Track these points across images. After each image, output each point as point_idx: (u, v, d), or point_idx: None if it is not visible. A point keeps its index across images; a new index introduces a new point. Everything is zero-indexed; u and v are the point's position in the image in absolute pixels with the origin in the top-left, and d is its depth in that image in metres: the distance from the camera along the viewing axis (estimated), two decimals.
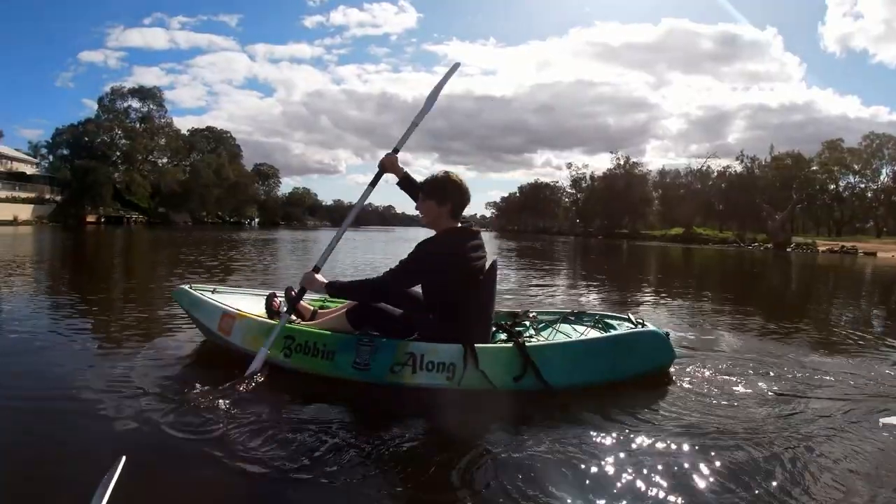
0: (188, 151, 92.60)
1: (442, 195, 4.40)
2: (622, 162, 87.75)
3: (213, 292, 5.42)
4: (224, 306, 4.98)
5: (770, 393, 4.33)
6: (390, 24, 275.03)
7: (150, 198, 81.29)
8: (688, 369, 4.84)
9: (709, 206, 76.24)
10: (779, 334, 7.15)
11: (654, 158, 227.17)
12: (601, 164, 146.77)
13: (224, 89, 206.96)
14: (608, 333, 4.53)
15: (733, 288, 15.83)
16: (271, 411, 3.73)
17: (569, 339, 4.49)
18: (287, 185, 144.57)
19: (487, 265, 4.39)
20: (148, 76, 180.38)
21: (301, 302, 4.95)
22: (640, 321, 4.70)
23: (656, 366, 4.49)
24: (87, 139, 77.96)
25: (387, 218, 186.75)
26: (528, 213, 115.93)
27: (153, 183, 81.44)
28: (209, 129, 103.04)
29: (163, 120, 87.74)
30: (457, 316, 4.21)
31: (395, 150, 4.97)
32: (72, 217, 65.08)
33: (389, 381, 4.09)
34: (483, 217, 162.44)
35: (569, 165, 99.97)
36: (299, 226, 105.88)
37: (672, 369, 4.68)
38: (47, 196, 68.97)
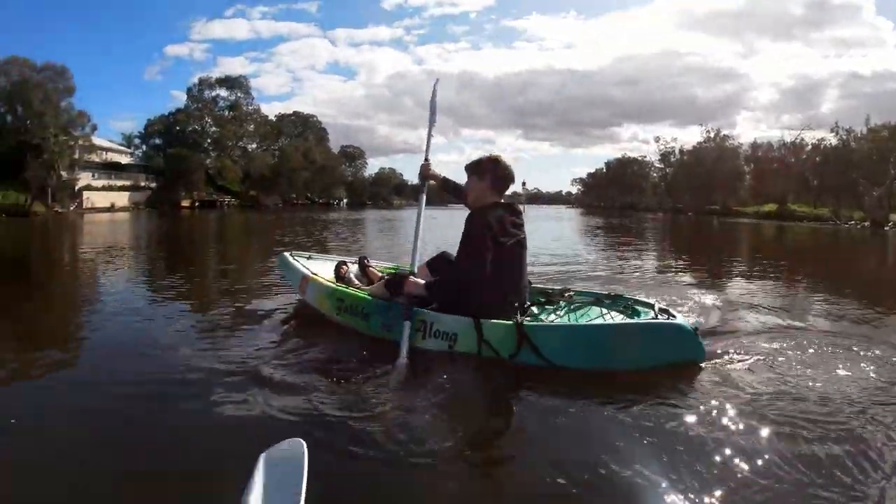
0: (276, 136, 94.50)
1: (480, 170, 4.75)
2: (712, 135, 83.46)
3: (308, 258, 6.57)
4: (304, 270, 5.97)
5: (856, 383, 3.99)
6: (468, 1, 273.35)
7: (241, 182, 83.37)
8: (778, 349, 4.72)
9: (803, 181, 72.02)
10: (869, 320, 6.35)
11: (746, 131, 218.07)
12: (690, 137, 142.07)
13: (307, 75, 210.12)
14: (613, 321, 4.60)
15: (824, 269, 14.34)
16: (416, 396, 3.78)
17: (565, 324, 4.60)
18: (373, 165, 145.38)
19: (517, 242, 4.63)
20: (233, 66, 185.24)
21: (371, 268, 6.03)
22: (666, 311, 4.55)
23: (677, 360, 4.20)
24: (178, 128, 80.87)
25: None
26: (615, 188, 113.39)
27: (243, 167, 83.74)
28: (296, 113, 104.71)
29: (250, 107, 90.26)
30: (470, 288, 4.45)
31: (426, 159, 5.41)
32: (167, 202, 67.26)
33: (409, 343, 4.40)
34: (569, 194, 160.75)
35: (657, 139, 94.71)
36: (385, 205, 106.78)
37: (733, 359, 4.44)
38: (142, 183, 71.31)
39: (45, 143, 52.76)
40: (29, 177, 49.26)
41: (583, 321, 4.72)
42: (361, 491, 2.76)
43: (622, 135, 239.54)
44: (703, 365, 4.21)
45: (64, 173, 54.46)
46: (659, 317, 4.40)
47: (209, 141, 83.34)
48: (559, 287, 5.51)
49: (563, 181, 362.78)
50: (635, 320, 4.54)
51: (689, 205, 78.77)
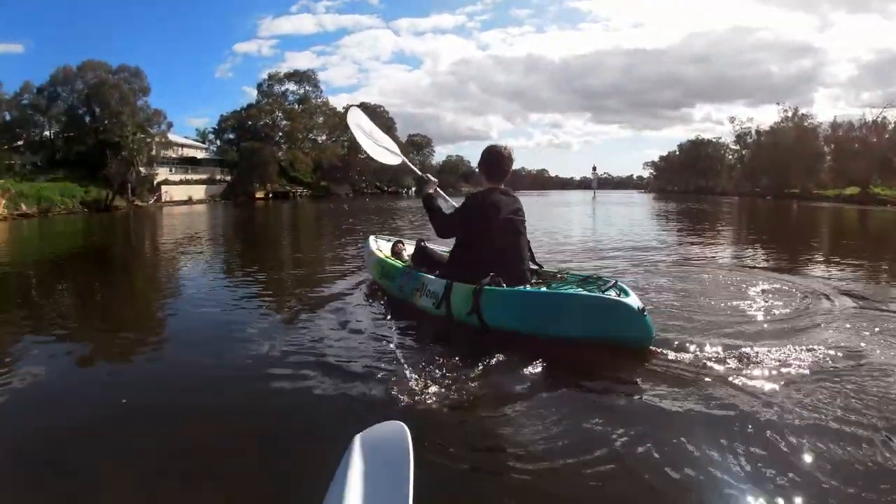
0: (345, 127, 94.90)
1: (480, 161, 5.41)
2: (790, 114, 78.69)
3: (387, 241, 7.60)
4: (373, 246, 7.23)
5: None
6: None
7: (313, 172, 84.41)
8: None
9: (886, 163, 67.15)
10: None
11: (823, 109, 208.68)
12: (766, 117, 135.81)
13: (373, 66, 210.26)
14: (559, 291, 4.65)
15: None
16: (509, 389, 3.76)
17: (509, 290, 4.66)
18: (440, 153, 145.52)
19: (508, 225, 5.11)
20: (300, 60, 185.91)
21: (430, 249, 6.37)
22: (622, 289, 4.49)
23: (619, 337, 4.24)
24: (250, 123, 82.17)
25: (540, 181, 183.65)
26: (690, 172, 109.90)
27: (314, 159, 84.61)
28: (363, 104, 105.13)
29: (319, 100, 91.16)
30: (461, 258, 5.13)
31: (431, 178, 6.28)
32: (242, 194, 68.95)
33: (410, 301, 5.64)
34: (640, 178, 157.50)
35: (731, 120, 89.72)
36: (454, 192, 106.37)
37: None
38: (218, 177, 72.93)
39: (124, 141, 54.36)
40: (109, 173, 51.00)
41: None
42: (462, 476, 2.81)
43: (695, 115, 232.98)
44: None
45: (143, 169, 56.16)
46: (611, 294, 4.39)
47: (280, 134, 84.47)
48: (554, 270, 5.67)
49: (635, 165, 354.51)
50: (573, 291, 4.60)
51: (767, 188, 75.62)
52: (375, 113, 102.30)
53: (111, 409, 3.68)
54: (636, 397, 3.58)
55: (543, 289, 4.80)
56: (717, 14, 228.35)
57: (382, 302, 6.24)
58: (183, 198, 61.16)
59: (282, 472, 2.86)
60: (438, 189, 6.16)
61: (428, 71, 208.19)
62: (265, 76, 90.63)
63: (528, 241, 5.33)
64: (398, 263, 6.40)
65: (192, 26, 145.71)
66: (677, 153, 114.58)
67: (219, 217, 33.44)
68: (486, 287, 4.62)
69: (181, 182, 64.48)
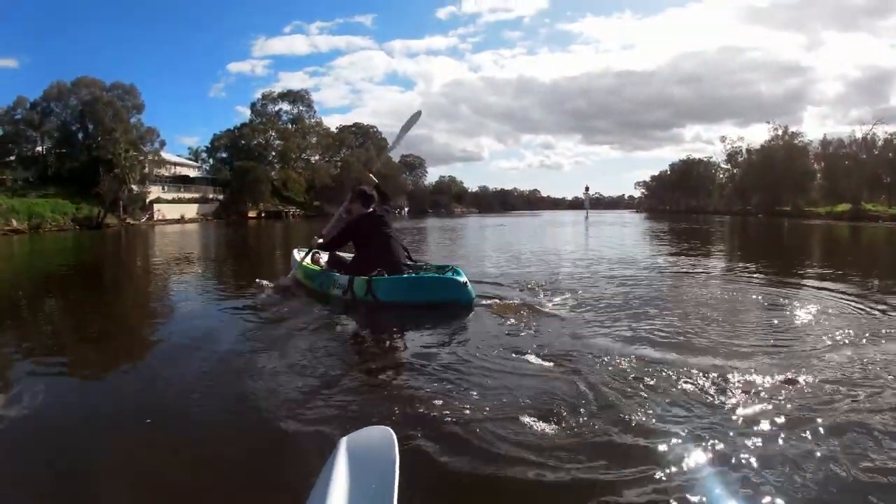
0: (338, 147, 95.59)
1: (353, 197, 8.13)
2: (780, 132, 79.56)
3: (306, 251, 9.02)
4: (297, 256, 9.20)
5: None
6: (522, 6, 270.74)
7: (305, 192, 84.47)
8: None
9: (876, 179, 67.71)
10: None
11: (812, 127, 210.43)
12: (756, 136, 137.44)
13: (366, 87, 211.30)
14: (419, 276, 7.44)
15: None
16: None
17: (392, 277, 7.19)
18: (433, 174, 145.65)
19: (380, 235, 7.70)
20: (293, 81, 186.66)
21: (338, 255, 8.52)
22: (457, 272, 7.34)
23: (455, 299, 6.91)
24: (243, 142, 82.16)
25: (532, 202, 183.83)
26: (680, 191, 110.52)
27: (307, 178, 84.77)
28: (356, 125, 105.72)
29: (312, 120, 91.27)
30: (357, 260, 7.85)
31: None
32: (234, 213, 68.97)
33: (327, 292, 7.74)
34: (631, 198, 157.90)
35: (722, 139, 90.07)
36: (446, 213, 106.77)
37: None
38: (210, 196, 72.76)
39: (117, 158, 54.33)
40: (102, 190, 50.79)
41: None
42: (448, 478, 2.82)
43: (685, 136, 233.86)
44: None
45: (135, 187, 56.11)
46: (450, 275, 7.16)
47: (273, 153, 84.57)
48: (422, 262, 8.33)
49: (625, 185, 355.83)
50: (428, 275, 7.41)
51: (758, 206, 76.04)
52: (369, 133, 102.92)
53: (98, 420, 3.82)
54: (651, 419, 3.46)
55: (412, 274, 7.47)
56: (707, 35, 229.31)
57: (357, 315, 6.98)
58: (175, 216, 61.09)
59: (265, 475, 2.95)
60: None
61: (420, 92, 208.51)
62: (259, 96, 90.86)
63: (401, 243, 8.01)
64: (316, 267, 8.65)
65: (186, 45, 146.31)
66: (668, 173, 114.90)
67: (210, 236, 33.28)
68: (375, 277, 7.10)
69: (174, 201, 64.38)
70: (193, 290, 10.35)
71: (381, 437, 1.79)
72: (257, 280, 9.07)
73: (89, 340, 6.41)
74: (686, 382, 3.98)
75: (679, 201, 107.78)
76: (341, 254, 8.42)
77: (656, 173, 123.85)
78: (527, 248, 17.84)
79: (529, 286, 8.56)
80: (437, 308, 6.68)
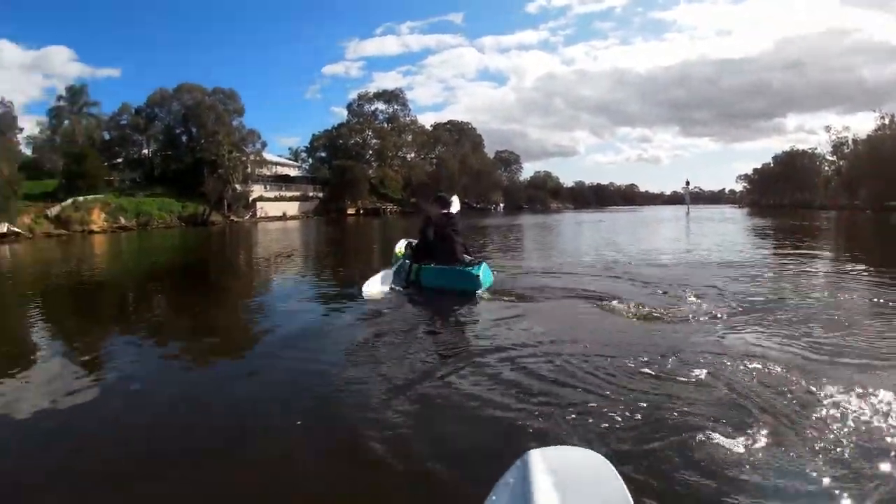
0: (433, 145, 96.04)
1: (432, 202, 9.80)
2: (887, 121, 73.36)
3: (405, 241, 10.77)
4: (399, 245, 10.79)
5: None
6: None
7: (402, 189, 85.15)
8: None
9: None
10: None
11: None
12: (863, 125, 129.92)
13: (458, 83, 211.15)
14: (447, 267, 8.76)
15: None
16: None
17: (431, 267, 8.81)
18: (528, 169, 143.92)
19: (442, 233, 9.14)
20: (387, 80, 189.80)
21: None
22: (482, 266, 8.69)
23: (468, 288, 8.30)
24: (341, 141, 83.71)
25: (629, 197, 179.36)
26: (784, 185, 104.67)
27: (404, 176, 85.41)
28: (451, 122, 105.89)
29: (407, 118, 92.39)
30: (420, 250, 9.30)
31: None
32: (334, 211, 70.20)
33: (398, 273, 9.09)
34: (732, 192, 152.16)
35: (827, 129, 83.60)
36: (542, 209, 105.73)
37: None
38: (310, 194, 74.20)
39: (220, 160, 55.86)
40: (207, 190, 52.37)
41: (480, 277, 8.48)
42: None
43: (787, 125, 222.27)
44: None
45: (238, 186, 57.50)
46: (472, 269, 8.52)
47: (370, 152, 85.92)
48: (475, 258, 9.33)
49: (726, 178, 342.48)
50: (454, 267, 8.70)
51: (867, 200, 70.71)
52: (464, 130, 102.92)
53: (204, 406, 4.15)
54: None
55: (445, 266, 8.77)
56: (809, 17, 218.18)
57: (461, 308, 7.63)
58: (277, 214, 62.65)
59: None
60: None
61: (513, 87, 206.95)
62: (355, 96, 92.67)
63: (458, 240, 9.20)
64: (399, 254, 10.29)
65: (282, 51, 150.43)
66: (771, 165, 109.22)
67: (311, 232, 33.71)
68: (424, 265, 8.86)
69: (275, 199, 65.90)
70: (293, 283, 11.12)
71: (595, 463, 1.67)
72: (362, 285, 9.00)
73: (189, 334, 6.91)
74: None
75: (783, 195, 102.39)
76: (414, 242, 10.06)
77: (758, 166, 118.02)
78: (635, 247, 16.97)
79: (653, 286, 8.49)
80: (456, 293, 8.26)
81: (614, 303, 7.06)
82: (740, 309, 6.58)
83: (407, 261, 9.29)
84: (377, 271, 9.38)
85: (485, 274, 8.61)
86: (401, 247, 10.54)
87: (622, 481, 1.51)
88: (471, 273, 8.40)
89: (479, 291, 8.19)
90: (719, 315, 6.23)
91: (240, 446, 3.48)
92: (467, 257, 9.14)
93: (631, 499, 1.46)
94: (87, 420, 3.97)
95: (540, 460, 1.63)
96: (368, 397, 4.06)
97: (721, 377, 4.13)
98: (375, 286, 8.74)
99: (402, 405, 3.90)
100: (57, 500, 2.94)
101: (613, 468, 1.58)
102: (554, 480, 1.54)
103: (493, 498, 1.57)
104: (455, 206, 9.70)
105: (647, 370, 4.35)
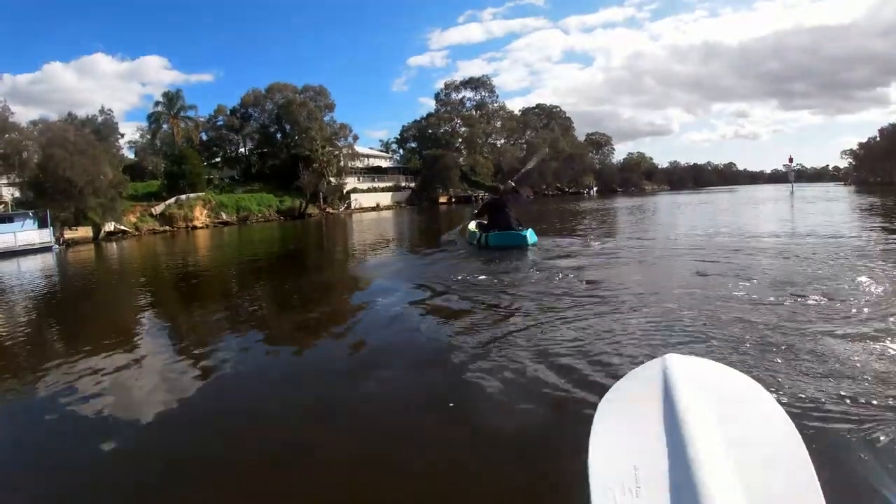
0: (523, 130, 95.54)
1: (497, 186, 14.29)
2: None
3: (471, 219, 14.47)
4: (468, 223, 14.40)
5: None
6: None
7: (493, 176, 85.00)
8: None
9: None
10: None
11: None
12: None
13: (544, 67, 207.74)
14: (504, 231, 12.23)
15: None
16: None
17: (495, 233, 12.21)
18: (620, 151, 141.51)
19: (499, 210, 12.63)
20: (472, 68, 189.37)
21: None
22: (530, 230, 12.33)
23: (521, 244, 11.85)
24: (430, 131, 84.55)
25: (728, 176, 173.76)
26: (893, 160, 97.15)
27: (494, 162, 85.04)
28: (539, 106, 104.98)
29: (495, 104, 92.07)
30: (485, 224, 12.88)
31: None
32: (426, 199, 71.14)
33: (471, 242, 13.13)
34: (836, 168, 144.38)
35: None
36: (637, 191, 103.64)
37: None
38: (402, 184, 75.18)
39: (314, 154, 57.13)
40: (302, 184, 53.51)
41: (527, 237, 12.06)
42: None
43: (891, 95, 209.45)
44: None
45: (332, 179, 58.51)
46: (522, 231, 12.12)
47: (460, 140, 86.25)
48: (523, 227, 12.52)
49: (830, 154, 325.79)
50: (509, 231, 12.15)
51: None
52: (552, 113, 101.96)
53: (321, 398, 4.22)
54: None
55: (506, 231, 12.17)
56: None
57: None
58: (371, 204, 63.64)
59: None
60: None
61: (601, 67, 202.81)
62: (441, 85, 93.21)
63: (512, 214, 12.44)
64: (472, 228, 13.51)
65: (367, 46, 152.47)
66: (878, 139, 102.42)
67: (404, 221, 34.01)
68: (489, 233, 12.19)
69: (369, 190, 66.93)
70: (395, 274, 10.81)
71: (748, 386, 1.61)
72: (440, 236, 15.27)
73: (290, 324, 6.98)
74: None
75: (892, 172, 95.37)
76: (482, 221, 13.38)
77: (864, 140, 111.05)
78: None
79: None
80: (514, 248, 11.67)
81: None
82: None
83: (478, 231, 12.89)
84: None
85: (531, 235, 12.37)
86: (472, 226, 13.79)
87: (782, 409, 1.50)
88: (522, 234, 12.16)
89: (529, 247, 11.96)
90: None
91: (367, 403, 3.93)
92: (519, 226, 12.56)
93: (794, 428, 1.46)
94: (191, 408, 4.14)
95: (678, 367, 1.62)
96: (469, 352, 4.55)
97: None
98: (448, 237, 14.70)
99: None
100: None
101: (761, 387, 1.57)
102: (702, 391, 1.55)
103: (626, 385, 1.58)
104: (512, 187, 13.19)
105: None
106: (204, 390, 4.45)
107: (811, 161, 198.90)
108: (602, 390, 2.28)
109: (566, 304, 6.04)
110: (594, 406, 2.01)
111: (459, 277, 8.21)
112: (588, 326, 5.01)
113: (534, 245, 12.13)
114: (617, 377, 2.32)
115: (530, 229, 12.55)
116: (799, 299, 5.44)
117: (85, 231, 32.75)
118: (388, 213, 51.65)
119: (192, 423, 3.88)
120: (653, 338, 4.45)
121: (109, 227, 34.82)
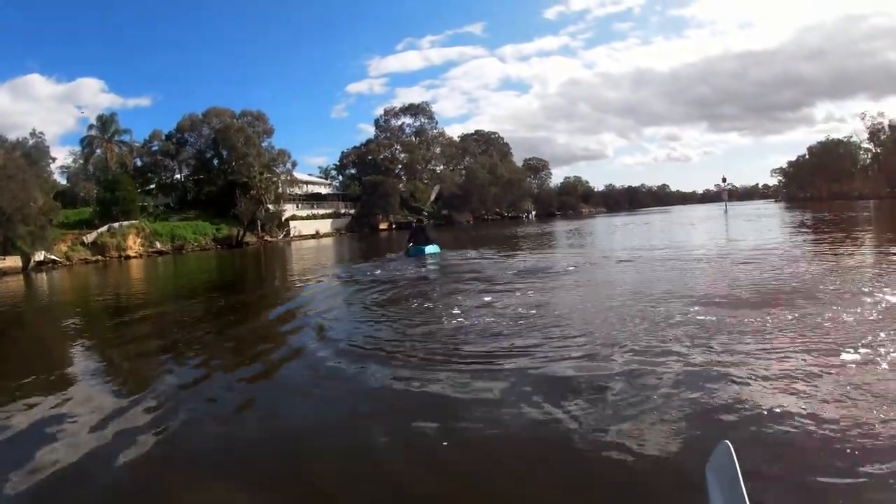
0: (462, 156, 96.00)
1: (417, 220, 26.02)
2: None
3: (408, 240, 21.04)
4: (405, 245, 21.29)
5: None
6: None
7: (434, 202, 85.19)
8: None
9: None
10: None
11: None
12: (894, 110, 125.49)
13: (482, 94, 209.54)
14: (417, 247, 19.58)
15: None
16: None
17: (412, 246, 19.38)
18: (557, 175, 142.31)
19: (418, 234, 20.26)
20: (410, 95, 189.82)
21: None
22: (434, 246, 19.55)
23: (420, 255, 18.60)
24: (370, 157, 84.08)
25: (661, 198, 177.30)
26: (821, 176, 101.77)
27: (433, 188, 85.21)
28: (477, 132, 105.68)
29: (435, 130, 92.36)
30: (409, 242, 19.96)
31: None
32: (366, 226, 70.79)
33: (405, 255, 19.46)
34: (765, 186, 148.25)
35: (862, 116, 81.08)
36: (574, 214, 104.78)
37: None
38: (342, 210, 74.96)
39: (252, 181, 56.40)
40: (240, 211, 52.82)
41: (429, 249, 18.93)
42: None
43: (816, 115, 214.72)
44: None
45: (271, 206, 57.94)
46: (426, 247, 19.08)
47: (400, 166, 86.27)
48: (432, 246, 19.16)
49: (758, 174, 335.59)
50: (418, 247, 18.90)
51: None
52: (491, 140, 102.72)
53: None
54: None
55: (420, 247, 18.90)
56: (827, 4, 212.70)
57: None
58: (311, 232, 63.17)
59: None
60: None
61: (537, 94, 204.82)
62: (381, 112, 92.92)
63: (428, 235, 19.61)
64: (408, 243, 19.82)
65: (306, 72, 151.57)
66: (807, 156, 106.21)
67: (345, 249, 33.76)
68: (410, 248, 19.13)
69: (308, 217, 66.52)
70: (333, 297, 11.16)
71: (725, 453, 1.64)
72: (386, 255, 20.10)
73: (230, 355, 7.04)
74: None
75: (820, 187, 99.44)
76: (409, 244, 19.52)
77: (792, 158, 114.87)
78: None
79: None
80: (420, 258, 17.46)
81: None
82: None
83: (410, 244, 19.02)
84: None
85: (432, 248, 18.66)
86: (405, 244, 19.85)
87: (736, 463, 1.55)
88: (423, 249, 18.24)
89: (427, 255, 17.97)
90: None
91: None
92: (428, 244, 18.92)
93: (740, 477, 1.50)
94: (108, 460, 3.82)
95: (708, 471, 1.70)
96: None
97: None
98: (392, 255, 20.01)
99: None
100: None
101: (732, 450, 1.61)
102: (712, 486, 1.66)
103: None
104: (429, 220, 21.62)
105: None
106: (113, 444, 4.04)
107: (741, 180, 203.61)
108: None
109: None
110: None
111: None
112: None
113: (434, 254, 18.62)
114: None
115: (435, 244, 19.31)
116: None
117: (13, 261, 31.71)
118: (328, 241, 51.22)
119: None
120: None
121: (39, 256, 33.79)
